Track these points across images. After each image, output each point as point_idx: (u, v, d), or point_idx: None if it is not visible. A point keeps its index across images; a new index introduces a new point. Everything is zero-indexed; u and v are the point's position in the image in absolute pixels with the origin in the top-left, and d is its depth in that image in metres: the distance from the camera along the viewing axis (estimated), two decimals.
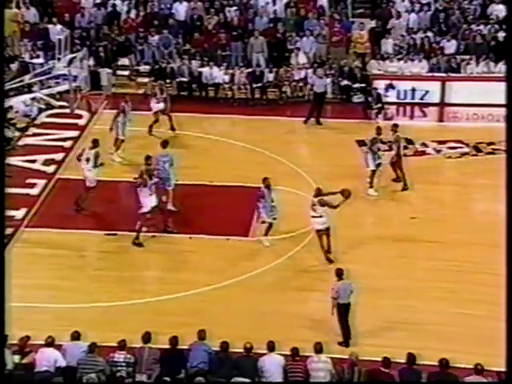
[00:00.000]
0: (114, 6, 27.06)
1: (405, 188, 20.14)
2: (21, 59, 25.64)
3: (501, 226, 17.73)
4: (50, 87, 24.37)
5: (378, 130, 20.00)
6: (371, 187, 19.80)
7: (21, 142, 22.38)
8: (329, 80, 24.65)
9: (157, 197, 17.88)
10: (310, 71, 24.78)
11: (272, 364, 13.01)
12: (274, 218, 17.81)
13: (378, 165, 19.68)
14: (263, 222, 17.86)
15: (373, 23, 26.45)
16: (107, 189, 19.85)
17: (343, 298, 14.70)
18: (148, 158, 18.50)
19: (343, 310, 14.75)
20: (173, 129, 22.54)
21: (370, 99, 22.98)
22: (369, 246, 17.58)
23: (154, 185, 17.83)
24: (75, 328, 13.56)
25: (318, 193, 17.29)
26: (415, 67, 24.91)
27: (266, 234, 17.90)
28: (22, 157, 21.41)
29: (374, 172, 19.75)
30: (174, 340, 13.28)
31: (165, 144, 19.41)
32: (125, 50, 26.12)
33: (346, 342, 14.82)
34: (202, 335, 13.38)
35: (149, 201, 17.66)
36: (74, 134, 22.71)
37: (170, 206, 18.72)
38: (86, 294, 16.23)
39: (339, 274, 14.88)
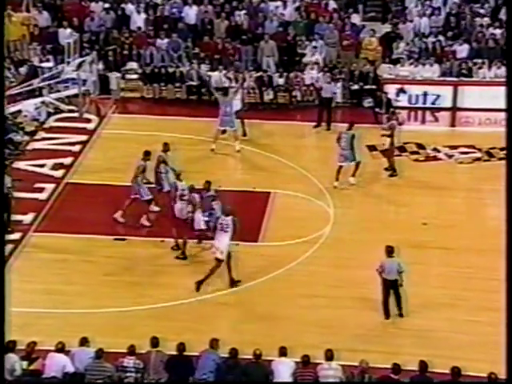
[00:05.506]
0: (123, 10, 27.12)
1: (393, 174, 20.76)
2: (30, 63, 25.62)
3: None
4: (58, 91, 24.56)
5: (350, 125, 20.49)
6: (353, 176, 20.30)
7: (29, 147, 22.39)
8: (339, 84, 24.63)
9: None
10: (320, 75, 24.74)
11: (283, 369, 13.02)
12: None
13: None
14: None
15: (384, 27, 26.43)
16: (115, 194, 19.95)
17: (389, 274, 15.32)
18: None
19: (388, 285, 15.43)
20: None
21: (377, 109, 23.11)
22: (380, 252, 17.51)
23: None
24: (83, 333, 13.57)
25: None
26: (427, 71, 24.80)
27: None
28: (31, 161, 21.42)
29: (358, 164, 20.24)
30: (181, 346, 13.25)
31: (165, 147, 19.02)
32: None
33: (386, 316, 15.52)
34: (213, 344, 13.30)
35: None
36: (83, 138, 22.75)
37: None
38: (94, 299, 16.23)
39: (389, 251, 15.50)
